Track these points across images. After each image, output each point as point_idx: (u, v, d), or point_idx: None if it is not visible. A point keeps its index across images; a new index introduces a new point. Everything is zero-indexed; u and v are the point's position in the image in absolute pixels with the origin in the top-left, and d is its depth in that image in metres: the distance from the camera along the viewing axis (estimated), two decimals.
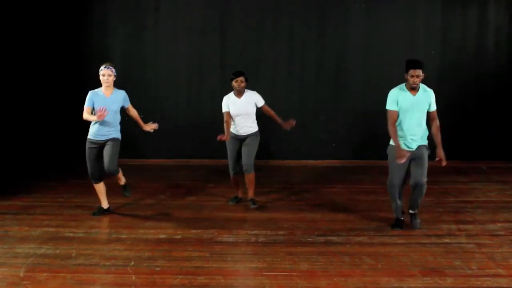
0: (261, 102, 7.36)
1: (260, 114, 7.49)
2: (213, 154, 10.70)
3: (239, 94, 7.28)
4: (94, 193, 8.07)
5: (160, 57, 10.65)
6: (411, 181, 6.33)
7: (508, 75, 10.52)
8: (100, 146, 6.81)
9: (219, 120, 10.54)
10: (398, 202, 6.48)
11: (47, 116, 10.39)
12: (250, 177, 7.41)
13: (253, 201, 7.48)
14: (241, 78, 7.22)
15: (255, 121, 7.43)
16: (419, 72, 6.05)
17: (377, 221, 6.87)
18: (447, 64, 10.36)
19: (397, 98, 6.21)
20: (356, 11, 10.50)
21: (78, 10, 10.49)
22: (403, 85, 6.26)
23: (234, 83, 7.24)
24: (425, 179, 6.27)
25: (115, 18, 10.57)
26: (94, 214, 7.09)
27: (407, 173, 6.40)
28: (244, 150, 7.35)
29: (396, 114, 6.23)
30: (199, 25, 10.57)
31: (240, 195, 7.75)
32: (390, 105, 6.26)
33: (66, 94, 10.44)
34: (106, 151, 6.79)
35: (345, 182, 9.07)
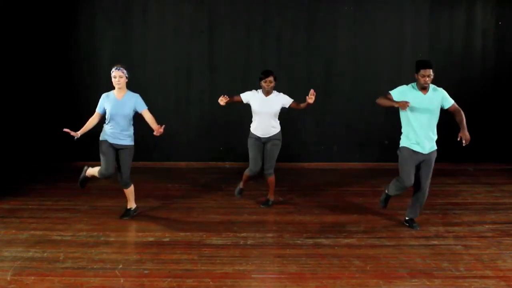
0: (289, 101, 7.27)
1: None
2: (201, 156, 10.71)
3: (267, 93, 7.22)
4: (82, 196, 8.05)
5: (148, 60, 10.61)
6: (415, 183, 6.38)
7: (495, 78, 10.61)
8: (114, 148, 6.74)
9: (207, 123, 10.61)
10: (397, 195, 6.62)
11: (34, 119, 10.32)
12: (272, 179, 7.53)
13: (268, 202, 7.71)
14: (270, 78, 7.13)
15: (278, 122, 7.36)
16: (430, 71, 6.14)
17: (365, 223, 6.89)
18: (434, 67, 10.42)
19: (405, 95, 6.23)
20: (344, 15, 10.53)
21: (65, 13, 10.44)
22: (414, 84, 6.31)
23: (263, 83, 7.14)
24: (428, 184, 6.38)
25: (103, 21, 10.52)
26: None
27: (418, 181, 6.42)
28: (266, 155, 7.34)
29: (392, 99, 6.24)
30: (187, 27, 10.56)
31: (243, 186, 7.76)
32: (394, 92, 6.31)
33: (54, 98, 10.39)
34: (122, 163, 6.79)
35: (334, 184, 9.08)
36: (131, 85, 6.99)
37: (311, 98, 6.94)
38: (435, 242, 6.16)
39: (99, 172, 6.81)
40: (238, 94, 7.36)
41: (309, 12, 10.51)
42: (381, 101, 6.32)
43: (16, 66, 10.04)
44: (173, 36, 10.57)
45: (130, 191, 7.06)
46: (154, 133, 6.58)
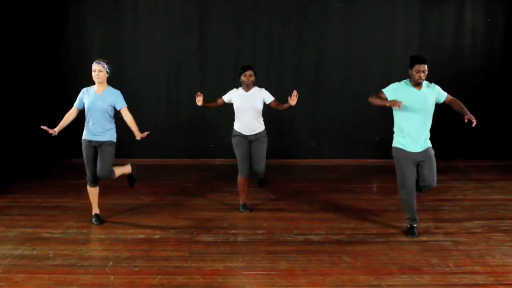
0: (269, 98, 7.12)
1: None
2: (192, 153, 10.69)
3: (247, 88, 7.09)
4: (71, 193, 8.04)
5: (139, 57, 10.58)
6: (421, 183, 6.20)
7: (485, 75, 10.66)
8: (94, 146, 6.51)
9: (198, 120, 10.59)
10: (413, 205, 6.20)
11: (22, 116, 10.26)
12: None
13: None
14: (250, 72, 7.03)
15: (262, 120, 7.20)
16: (425, 67, 5.94)
17: (355, 220, 6.90)
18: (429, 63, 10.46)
19: (399, 92, 6.02)
20: (335, 11, 10.55)
21: (55, 10, 10.38)
22: (407, 81, 6.10)
23: (242, 77, 7.05)
24: (435, 182, 6.18)
25: (93, 17, 10.48)
26: (96, 223, 6.69)
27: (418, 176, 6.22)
28: (255, 156, 7.11)
29: (384, 98, 6.04)
30: (177, 24, 10.54)
31: (247, 201, 7.40)
32: (386, 90, 6.09)
33: (44, 95, 10.33)
34: (100, 157, 6.49)
35: (324, 181, 9.09)
36: (122, 82, 6.95)
37: (293, 99, 6.85)
38: (425, 238, 6.18)
39: (87, 178, 6.69)
40: (221, 95, 7.24)
41: (299, 9, 10.51)
42: (373, 100, 6.09)
43: (6, 63, 9.95)
44: (164, 33, 10.54)
45: (117, 174, 6.75)
46: (136, 138, 6.50)
